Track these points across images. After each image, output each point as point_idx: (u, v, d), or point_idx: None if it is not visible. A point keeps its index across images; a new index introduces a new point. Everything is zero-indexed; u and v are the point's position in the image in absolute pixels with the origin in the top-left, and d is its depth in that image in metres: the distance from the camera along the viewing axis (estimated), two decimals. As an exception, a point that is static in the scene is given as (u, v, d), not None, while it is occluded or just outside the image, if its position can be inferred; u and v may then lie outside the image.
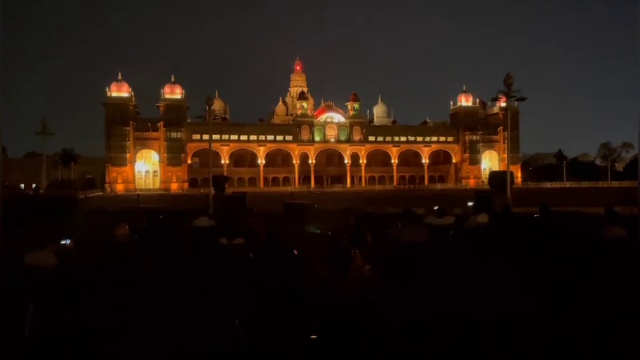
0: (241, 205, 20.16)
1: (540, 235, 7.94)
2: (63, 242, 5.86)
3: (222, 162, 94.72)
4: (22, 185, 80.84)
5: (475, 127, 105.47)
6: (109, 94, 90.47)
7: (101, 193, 79.58)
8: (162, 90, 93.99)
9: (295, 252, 7.14)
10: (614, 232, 7.23)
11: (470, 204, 21.20)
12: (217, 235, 8.06)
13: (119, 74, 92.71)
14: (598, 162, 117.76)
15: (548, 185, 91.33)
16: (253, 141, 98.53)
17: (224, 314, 4.39)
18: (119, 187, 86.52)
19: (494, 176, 30.22)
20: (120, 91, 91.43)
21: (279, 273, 4.73)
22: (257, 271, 5.24)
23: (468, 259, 8.21)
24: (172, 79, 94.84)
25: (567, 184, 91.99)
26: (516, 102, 36.11)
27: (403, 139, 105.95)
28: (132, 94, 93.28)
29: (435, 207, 10.47)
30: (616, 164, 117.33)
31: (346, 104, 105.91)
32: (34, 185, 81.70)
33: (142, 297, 5.47)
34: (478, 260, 7.92)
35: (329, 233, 10.38)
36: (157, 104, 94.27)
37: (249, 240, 7.23)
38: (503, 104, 35.98)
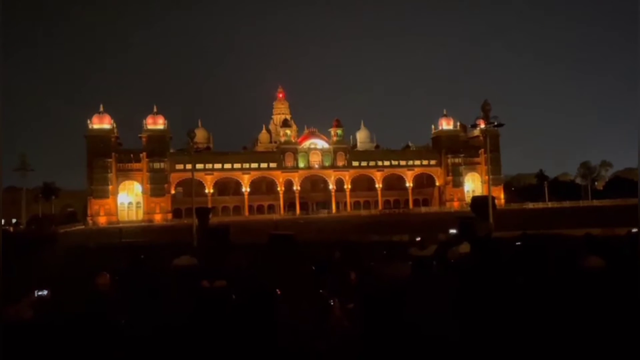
0: (225, 239, 20.00)
1: (520, 267, 8.03)
2: (40, 292, 5.74)
3: (206, 191, 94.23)
4: (2, 221, 79.06)
5: (457, 150, 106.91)
6: (90, 126, 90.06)
7: (83, 227, 78.40)
8: (144, 121, 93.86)
9: (279, 292, 7.10)
10: (591, 262, 7.32)
11: (452, 231, 21.36)
12: (199, 276, 7.97)
13: (101, 105, 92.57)
14: (578, 181, 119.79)
15: (530, 205, 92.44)
16: (237, 169, 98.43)
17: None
18: (102, 220, 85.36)
19: (477, 201, 30.53)
20: (101, 123, 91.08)
21: (258, 323, 4.70)
22: (238, 318, 5.20)
23: (451, 293, 8.22)
24: (155, 110, 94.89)
25: (549, 204, 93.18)
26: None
27: (386, 163, 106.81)
28: (114, 125, 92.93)
29: (418, 239, 10.53)
30: (596, 183, 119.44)
31: (329, 130, 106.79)
32: (14, 221, 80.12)
33: (123, 349, 5.38)
34: (462, 294, 7.93)
35: (313, 268, 10.35)
36: (139, 135, 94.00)
37: (231, 282, 7.16)
38: (483, 127, 36.71)
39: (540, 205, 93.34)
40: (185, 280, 8.43)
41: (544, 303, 6.17)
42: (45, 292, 5.86)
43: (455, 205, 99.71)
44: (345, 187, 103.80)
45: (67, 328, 5.35)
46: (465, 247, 10.42)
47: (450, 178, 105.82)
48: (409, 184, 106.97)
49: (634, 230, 11.41)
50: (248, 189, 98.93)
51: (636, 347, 4.95)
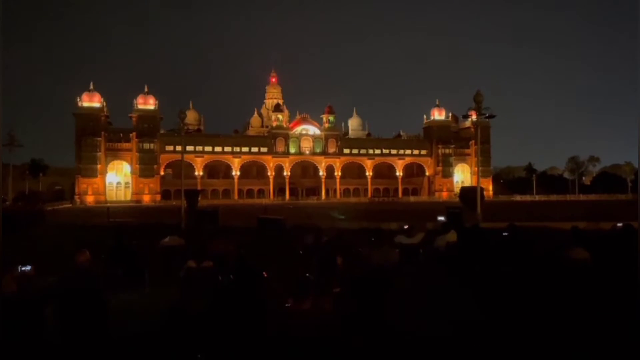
0: (213, 222, 19.97)
1: (507, 256, 8.10)
2: (23, 268, 5.70)
3: (196, 173, 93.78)
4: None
5: (447, 140, 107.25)
6: (80, 104, 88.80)
7: (70, 205, 77.75)
8: (135, 101, 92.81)
9: (265, 275, 7.11)
10: (576, 254, 7.41)
11: (440, 218, 21.49)
12: (186, 256, 7.95)
13: (91, 83, 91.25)
14: (566, 175, 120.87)
15: (518, 198, 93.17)
16: (228, 153, 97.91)
17: (186, 345, 4.33)
18: (89, 199, 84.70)
19: (465, 192, 30.68)
20: (91, 101, 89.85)
21: (245, 305, 4.69)
22: (224, 299, 5.19)
23: (437, 280, 8.29)
24: (146, 90, 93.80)
25: (537, 197, 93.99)
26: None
27: (377, 151, 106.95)
28: (104, 104, 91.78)
29: (406, 226, 10.57)
30: (584, 178, 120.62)
31: (321, 116, 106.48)
32: (0, 197, 79.12)
33: (103, 323, 5.36)
34: (448, 281, 8.00)
35: (300, 252, 10.38)
36: (129, 115, 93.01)
37: (218, 263, 7.15)
38: (474, 118, 36.71)
39: (528, 197, 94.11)
40: (172, 259, 8.44)
41: (529, 291, 6.24)
42: (28, 268, 5.83)
43: (444, 195, 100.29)
44: (335, 173, 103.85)
45: (48, 302, 5.33)
46: (452, 236, 10.49)
47: (440, 168, 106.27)
48: (399, 172, 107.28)
49: (619, 224, 11.53)
50: (238, 173, 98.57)
51: (620, 336, 5.03)
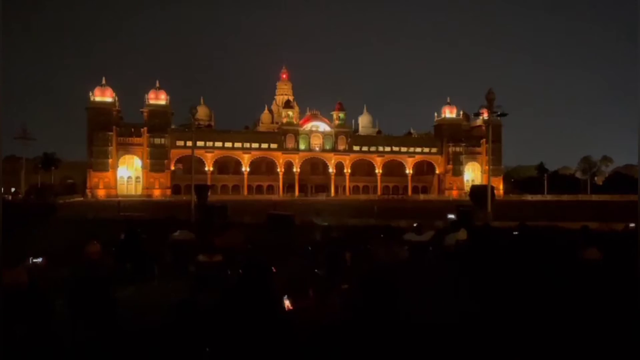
0: (222, 217, 20.05)
1: (518, 255, 8.05)
2: (35, 260, 5.77)
3: (206, 169, 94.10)
4: (1, 189, 78.74)
5: (458, 139, 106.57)
6: (92, 99, 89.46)
7: (82, 198, 78.46)
8: (146, 96, 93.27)
9: (274, 270, 7.13)
10: (589, 254, 7.35)
11: (450, 216, 21.39)
12: (196, 250, 8.00)
13: (103, 78, 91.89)
14: (578, 175, 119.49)
15: (529, 197, 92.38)
16: (238, 149, 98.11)
17: (194, 339, 4.34)
18: (101, 193, 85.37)
19: (476, 190, 30.49)
20: (103, 96, 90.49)
21: (253, 300, 4.70)
22: (233, 293, 5.20)
23: (446, 277, 8.25)
24: (157, 85, 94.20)
25: (548, 197, 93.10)
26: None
27: (387, 149, 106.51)
28: (116, 98, 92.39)
29: (415, 224, 10.53)
30: (596, 178, 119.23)
31: (331, 113, 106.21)
32: (12, 189, 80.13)
33: (112, 315, 5.40)
34: (458, 278, 7.96)
35: (309, 248, 10.38)
36: (141, 110, 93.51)
37: (227, 257, 7.19)
38: (486, 116, 36.32)
39: (539, 197, 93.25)
40: (182, 253, 8.48)
41: (538, 290, 6.20)
42: (40, 260, 5.89)
43: (454, 194, 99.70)
44: (345, 171, 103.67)
45: (59, 293, 5.38)
46: (462, 234, 10.45)
47: (450, 166, 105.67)
48: (409, 170, 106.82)
49: (632, 225, 11.42)
50: (248, 169, 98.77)
51: (630, 336, 4.97)
